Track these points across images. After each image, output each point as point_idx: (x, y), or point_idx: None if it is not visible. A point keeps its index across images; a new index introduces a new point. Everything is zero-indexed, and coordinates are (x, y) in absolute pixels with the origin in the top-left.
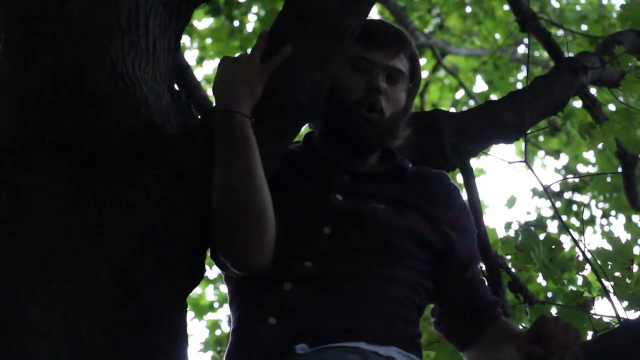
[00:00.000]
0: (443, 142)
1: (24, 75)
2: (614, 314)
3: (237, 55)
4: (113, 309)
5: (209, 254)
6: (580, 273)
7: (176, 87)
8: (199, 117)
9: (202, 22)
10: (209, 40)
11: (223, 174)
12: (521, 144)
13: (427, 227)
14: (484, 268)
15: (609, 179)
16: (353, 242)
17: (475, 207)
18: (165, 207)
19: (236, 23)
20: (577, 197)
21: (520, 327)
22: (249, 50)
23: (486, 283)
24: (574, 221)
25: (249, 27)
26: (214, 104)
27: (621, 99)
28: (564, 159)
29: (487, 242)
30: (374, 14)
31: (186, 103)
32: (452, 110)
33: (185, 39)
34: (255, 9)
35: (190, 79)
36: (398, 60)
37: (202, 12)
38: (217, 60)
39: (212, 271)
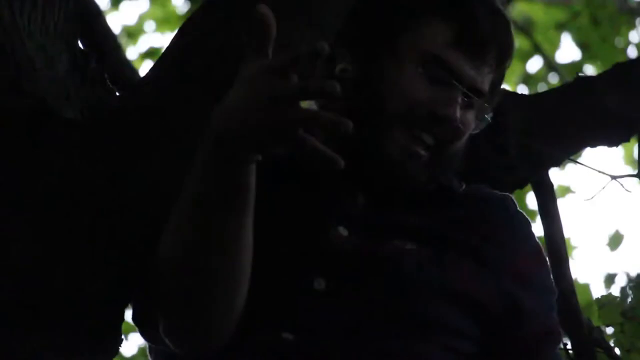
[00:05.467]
0: (507, 141)
1: None
2: None
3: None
4: None
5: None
6: None
7: (80, 45)
8: (117, 93)
9: None
10: None
11: (194, 224)
12: (634, 147)
13: (479, 280)
14: (569, 347)
15: None
16: (359, 304)
17: (556, 248)
18: (53, 241)
19: None
20: None
21: None
22: None
23: None
24: None
25: None
26: (140, 72)
27: None
28: None
29: (575, 304)
30: None
31: (97, 70)
32: (523, 90)
33: None
34: None
35: (103, 31)
36: (487, 78)
37: None
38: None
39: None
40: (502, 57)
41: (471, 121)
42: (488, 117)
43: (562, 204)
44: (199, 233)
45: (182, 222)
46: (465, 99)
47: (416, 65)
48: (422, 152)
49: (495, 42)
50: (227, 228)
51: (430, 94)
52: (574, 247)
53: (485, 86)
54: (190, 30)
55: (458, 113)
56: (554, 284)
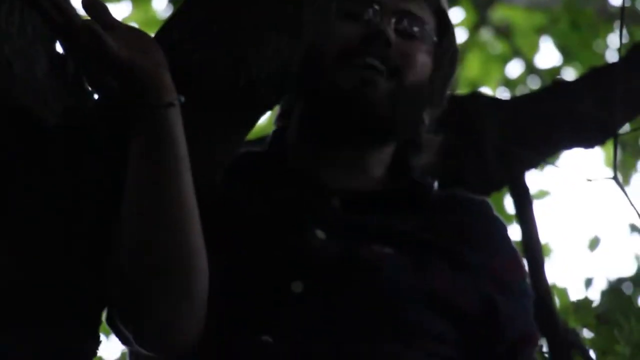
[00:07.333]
0: (484, 145)
1: None
2: None
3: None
4: None
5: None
6: None
7: (60, 49)
8: (96, 97)
9: None
10: None
11: (136, 200)
12: (610, 149)
13: (457, 285)
14: (545, 349)
15: None
16: (337, 308)
17: (533, 251)
18: (32, 245)
19: None
20: None
21: None
22: None
23: None
24: None
25: None
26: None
27: None
28: None
29: (551, 308)
30: None
31: (76, 76)
32: (503, 94)
33: None
34: None
35: None
36: (416, 5)
37: None
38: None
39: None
40: None
41: (419, 52)
42: (447, 57)
43: (539, 206)
44: (147, 205)
45: (131, 202)
46: (399, 26)
47: (337, 16)
48: (376, 78)
49: None
50: (174, 187)
51: (357, 28)
52: (552, 251)
53: (417, 11)
54: (168, 34)
55: (389, 30)
56: (530, 287)
